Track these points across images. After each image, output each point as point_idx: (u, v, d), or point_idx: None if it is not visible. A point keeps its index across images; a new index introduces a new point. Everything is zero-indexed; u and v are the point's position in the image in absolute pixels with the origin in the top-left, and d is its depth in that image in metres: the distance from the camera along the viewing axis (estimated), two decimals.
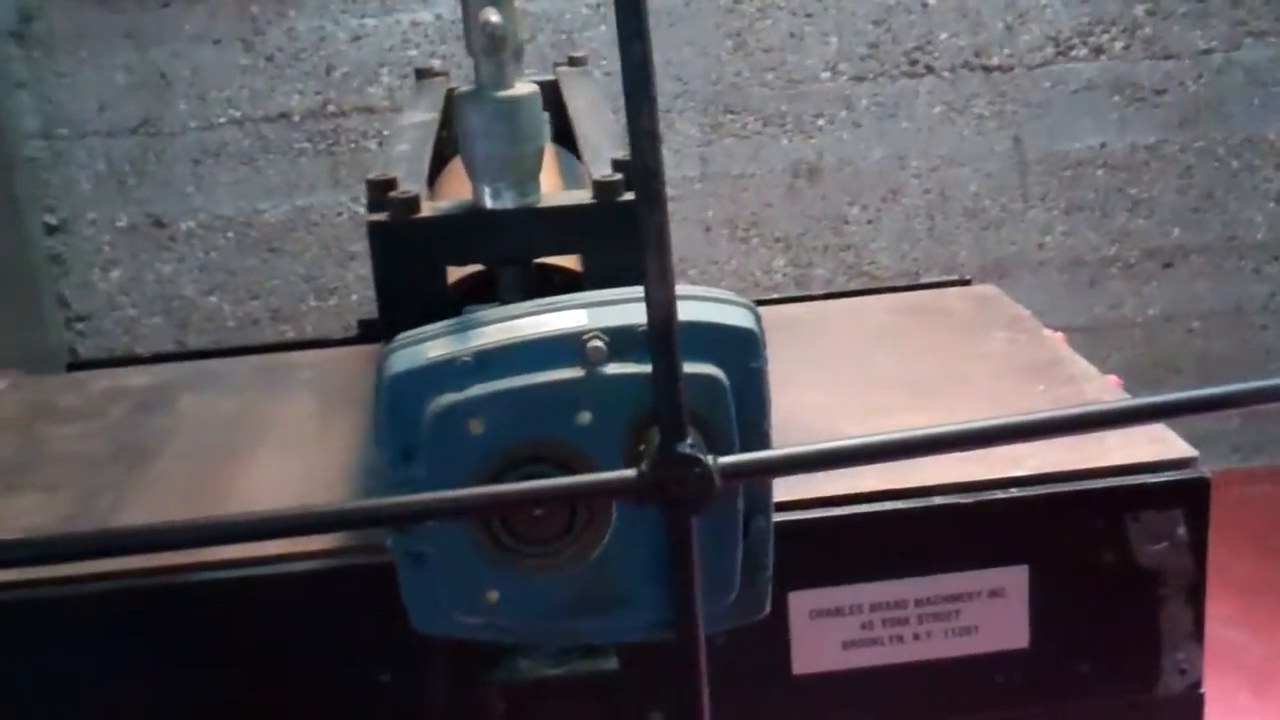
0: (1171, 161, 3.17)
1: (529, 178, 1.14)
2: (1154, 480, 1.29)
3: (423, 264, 1.16)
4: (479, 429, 1.00)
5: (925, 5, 3.03)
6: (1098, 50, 3.08)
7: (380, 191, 1.14)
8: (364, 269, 1.11)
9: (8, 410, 1.68)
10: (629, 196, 1.13)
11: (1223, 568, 2.86)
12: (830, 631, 1.29)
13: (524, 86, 1.13)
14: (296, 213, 3.09)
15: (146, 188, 3.07)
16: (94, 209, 3.10)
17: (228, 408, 1.61)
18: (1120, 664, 1.33)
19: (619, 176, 1.13)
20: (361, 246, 2.89)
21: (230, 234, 3.10)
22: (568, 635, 1.11)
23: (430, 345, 1.02)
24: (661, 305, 0.92)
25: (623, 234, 0.91)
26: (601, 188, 1.13)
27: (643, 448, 0.97)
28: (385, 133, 2.97)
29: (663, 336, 0.93)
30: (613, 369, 1.00)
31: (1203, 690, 1.35)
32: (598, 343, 1.00)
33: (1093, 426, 1.02)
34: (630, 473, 0.96)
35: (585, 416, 1.00)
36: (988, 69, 3.07)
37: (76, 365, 1.88)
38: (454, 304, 1.19)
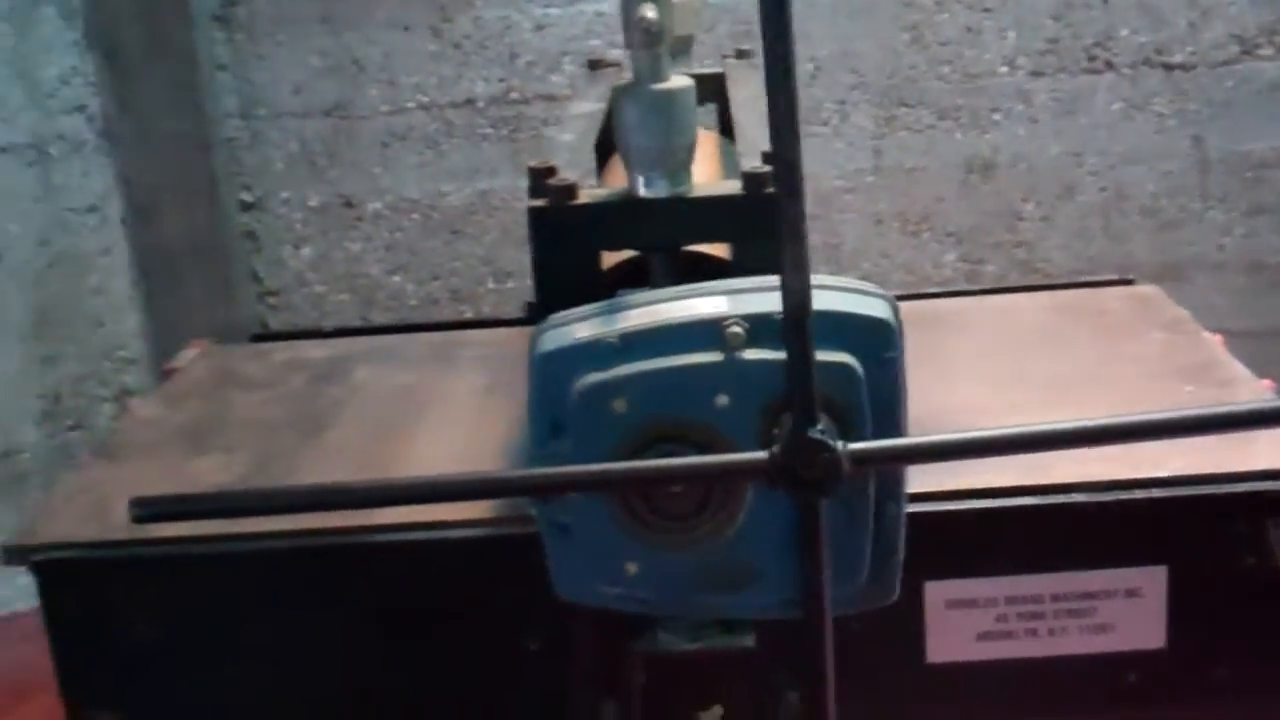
0: None
1: (681, 168, 1.18)
2: None
3: (578, 248, 1.21)
4: (622, 407, 1.05)
5: (1106, 1, 2.99)
6: None
7: (540, 178, 1.20)
8: None
9: (198, 376, 1.79)
10: None
11: None
12: (965, 622, 1.31)
13: (679, 80, 1.17)
14: (478, 196, 3.18)
15: (337, 168, 3.19)
16: (287, 188, 3.23)
17: (400, 381, 1.69)
18: (1258, 670, 1.32)
19: (768, 168, 1.17)
20: None
21: (415, 215, 3.21)
22: (702, 609, 1.16)
23: (579, 326, 1.08)
24: (796, 294, 0.96)
25: (770, 224, 0.95)
26: (750, 179, 1.17)
27: (776, 431, 1.01)
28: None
29: (796, 324, 0.97)
30: (750, 354, 1.04)
31: None
32: (737, 329, 1.04)
33: (1208, 429, 1.03)
34: (762, 455, 1.00)
35: (723, 399, 1.04)
36: (1169, 66, 3.03)
37: (260, 337, 1.98)
38: (607, 288, 1.23)
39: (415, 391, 1.66)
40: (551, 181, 1.20)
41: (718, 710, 1.33)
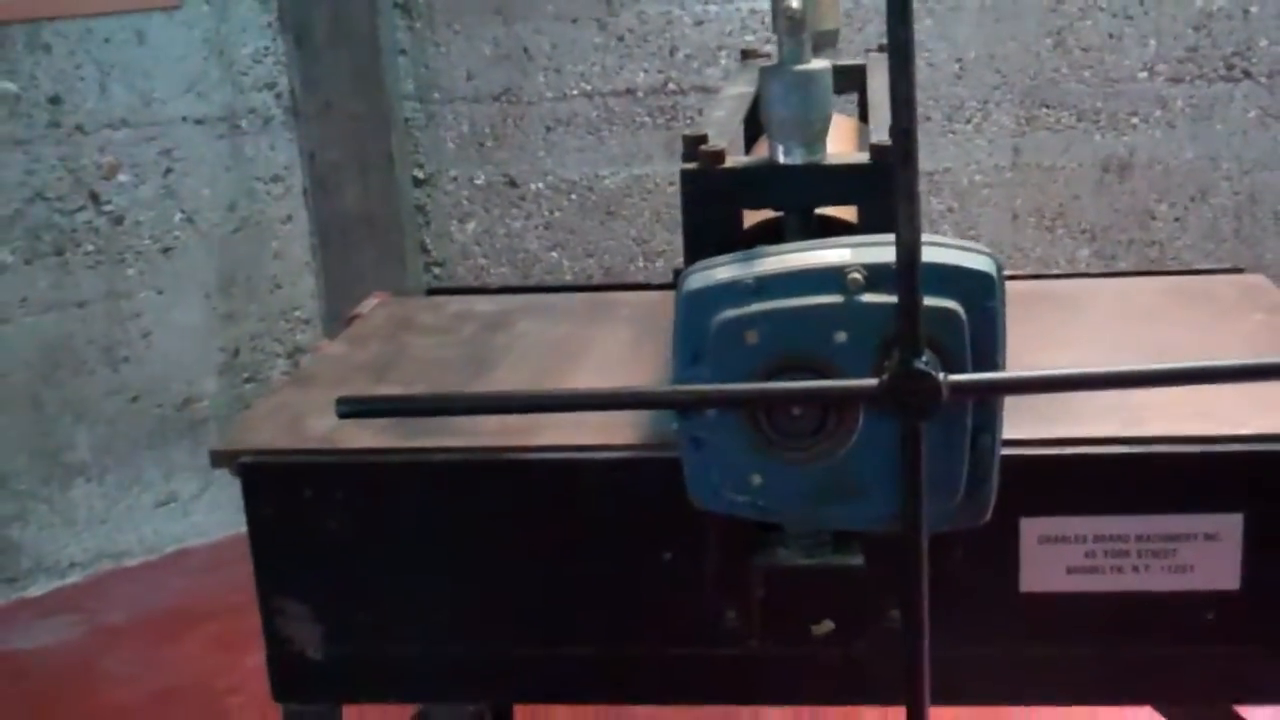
0: None
1: (816, 139, 1.35)
2: None
3: (723, 207, 1.39)
4: (754, 339, 1.22)
5: (1247, 12, 3.09)
6: None
7: (693, 145, 1.38)
8: None
9: (378, 322, 1.99)
10: None
11: None
12: (1057, 556, 1.46)
13: (818, 64, 1.34)
14: (633, 180, 3.37)
15: (503, 150, 3.41)
16: (456, 167, 3.45)
17: (558, 332, 1.87)
18: None
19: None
20: None
21: (573, 196, 3.41)
22: (816, 519, 1.32)
23: (720, 270, 1.25)
24: (908, 244, 1.12)
25: (890, 189, 1.11)
26: (877, 150, 1.34)
27: (886, 364, 1.17)
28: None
29: (907, 269, 1.13)
30: (868, 298, 1.20)
31: None
32: (857, 275, 1.20)
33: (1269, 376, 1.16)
34: (873, 382, 1.16)
35: (841, 336, 1.21)
36: None
37: (435, 291, 2.19)
38: (747, 245, 1.41)
39: (571, 341, 1.84)
40: (703, 148, 1.37)
41: (829, 624, 1.49)
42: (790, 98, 1.32)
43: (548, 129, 3.37)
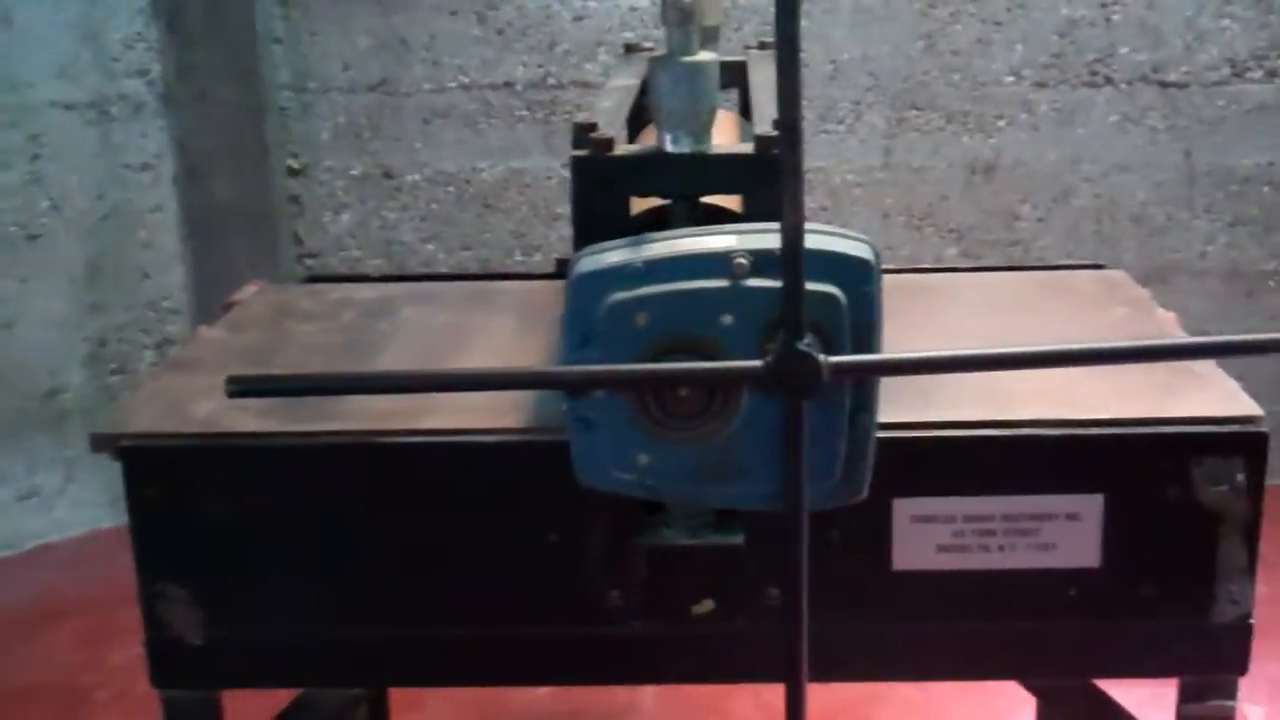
0: None
1: (703, 130, 1.39)
2: (1218, 431, 1.48)
3: (612, 195, 1.42)
4: (643, 321, 1.25)
5: (1109, 20, 3.20)
6: (1272, 73, 3.21)
7: (583, 132, 1.41)
8: (567, 230, 1.30)
9: (257, 309, 1.98)
10: None
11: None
12: (927, 535, 1.51)
13: (706, 55, 1.38)
14: (511, 174, 3.39)
15: (379, 141, 3.41)
16: (331, 157, 3.44)
17: (441, 320, 1.89)
18: (1179, 590, 1.51)
19: (776, 133, 1.37)
20: (566, 209, 3.17)
21: (450, 189, 3.42)
22: (700, 498, 1.36)
23: (610, 254, 1.28)
24: (792, 229, 1.16)
25: (774, 180, 1.15)
26: (761, 141, 1.38)
27: (769, 346, 1.21)
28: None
29: (791, 253, 1.17)
30: (752, 282, 1.24)
31: (1252, 621, 1.53)
32: (742, 260, 1.24)
33: (1127, 358, 1.23)
34: (756, 363, 1.20)
35: (727, 319, 1.25)
36: (1164, 84, 3.23)
37: (315, 279, 2.19)
38: (635, 232, 1.44)
39: (455, 328, 1.85)
40: (593, 135, 1.40)
41: (709, 603, 1.53)
42: (679, 88, 1.36)
43: (425, 121, 3.38)
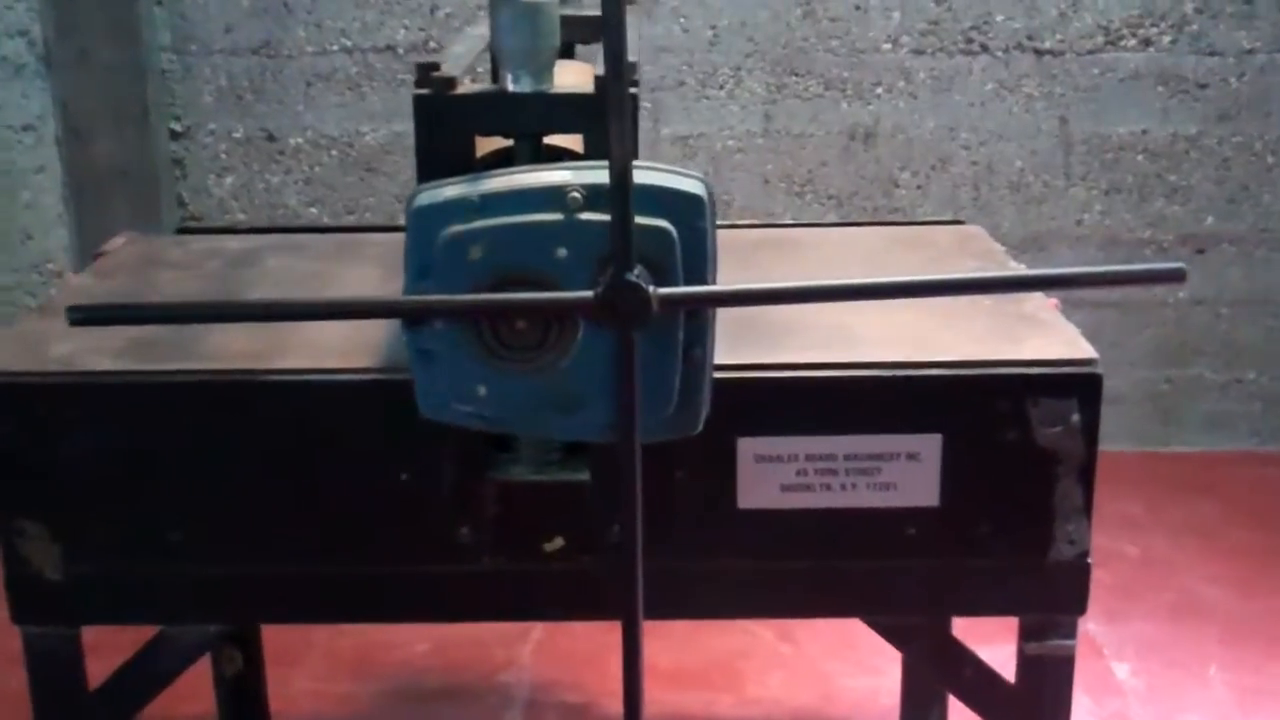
0: (1209, 153, 3.35)
1: (544, 69, 1.41)
2: (1054, 372, 1.52)
3: (455, 133, 1.43)
4: (478, 254, 1.27)
5: None
6: (1146, 42, 3.28)
7: (425, 72, 1.42)
8: None
9: (124, 258, 1.98)
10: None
11: (1219, 535, 3.06)
12: (771, 475, 1.54)
13: None
14: (394, 137, 3.38)
15: (262, 104, 3.38)
16: (214, 120, 3.41)
17: (306, 269, 1.90)
18: (1017, 529, 1.56)
19: None
20: None
21: (334, 152, 3.41)
22: (539, 428, 1.38)
23: (447, 189, 1.30)
24: (620, 161, 1.18)
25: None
26: (600, 80, 1.40)
27: (601, 278, 1.23)
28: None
29: (619, 186, 1.19)
30: (586, 216, 1.26)
31: (1090, 560, 1.58)
32: (576, 195, 1.26)
33: (958, 290, 1.26)
34: (588, 294, 1.23)
35: (562, 252, 1.27)
36: (1039, 52, 3.29)
37: (185, 230, 2.19)
38: (478, 171, 1.45)
39: (319, 277, 1.86)
40: (435, 74, 1.42)
41: (559, 541, 1.55)
42: (519, 27, 1.38)
43: (308, 84, 3.36)
